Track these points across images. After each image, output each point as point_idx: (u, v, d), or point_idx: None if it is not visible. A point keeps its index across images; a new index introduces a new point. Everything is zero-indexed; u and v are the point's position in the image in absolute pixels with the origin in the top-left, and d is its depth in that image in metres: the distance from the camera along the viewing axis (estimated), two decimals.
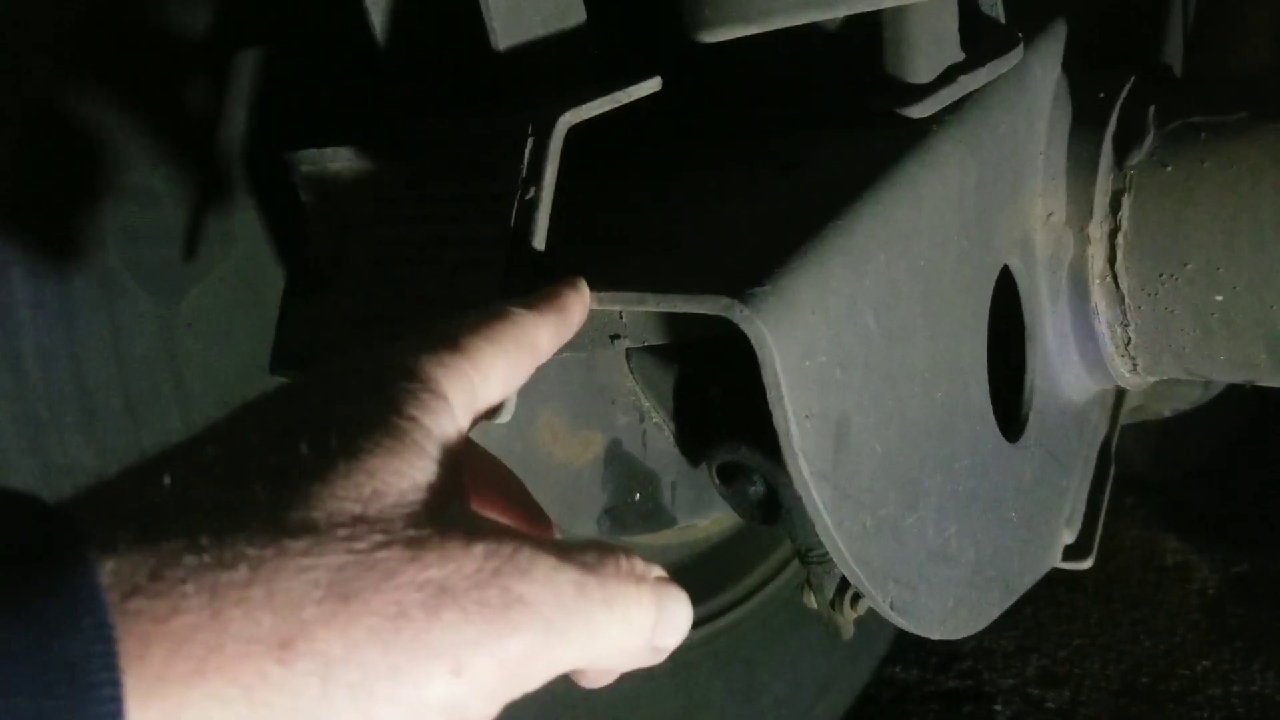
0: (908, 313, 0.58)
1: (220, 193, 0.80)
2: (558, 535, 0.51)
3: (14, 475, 0.72)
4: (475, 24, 0.59)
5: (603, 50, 0.66)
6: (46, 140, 0.71)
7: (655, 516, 0.91)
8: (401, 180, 0.61)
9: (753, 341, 0.46)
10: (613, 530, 0.87)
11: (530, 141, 0.53)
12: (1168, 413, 1.27)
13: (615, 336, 0.58)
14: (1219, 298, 0.76)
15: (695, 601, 1.31)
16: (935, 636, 0.62)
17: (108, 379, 0.75)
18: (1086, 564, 0.85)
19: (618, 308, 0.51)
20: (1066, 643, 1.73)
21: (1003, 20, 0.79)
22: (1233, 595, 1.85)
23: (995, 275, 0.72)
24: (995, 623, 1.80)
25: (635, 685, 1.14)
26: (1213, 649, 1.68)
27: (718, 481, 0.85)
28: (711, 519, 1.00)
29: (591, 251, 0.56)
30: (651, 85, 0.57)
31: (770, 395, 0.47)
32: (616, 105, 0.55)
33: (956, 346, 0.65)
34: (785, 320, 0.47)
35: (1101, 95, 0.82)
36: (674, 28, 0.64)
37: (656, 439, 0.89)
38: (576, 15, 0.61)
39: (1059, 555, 0.84)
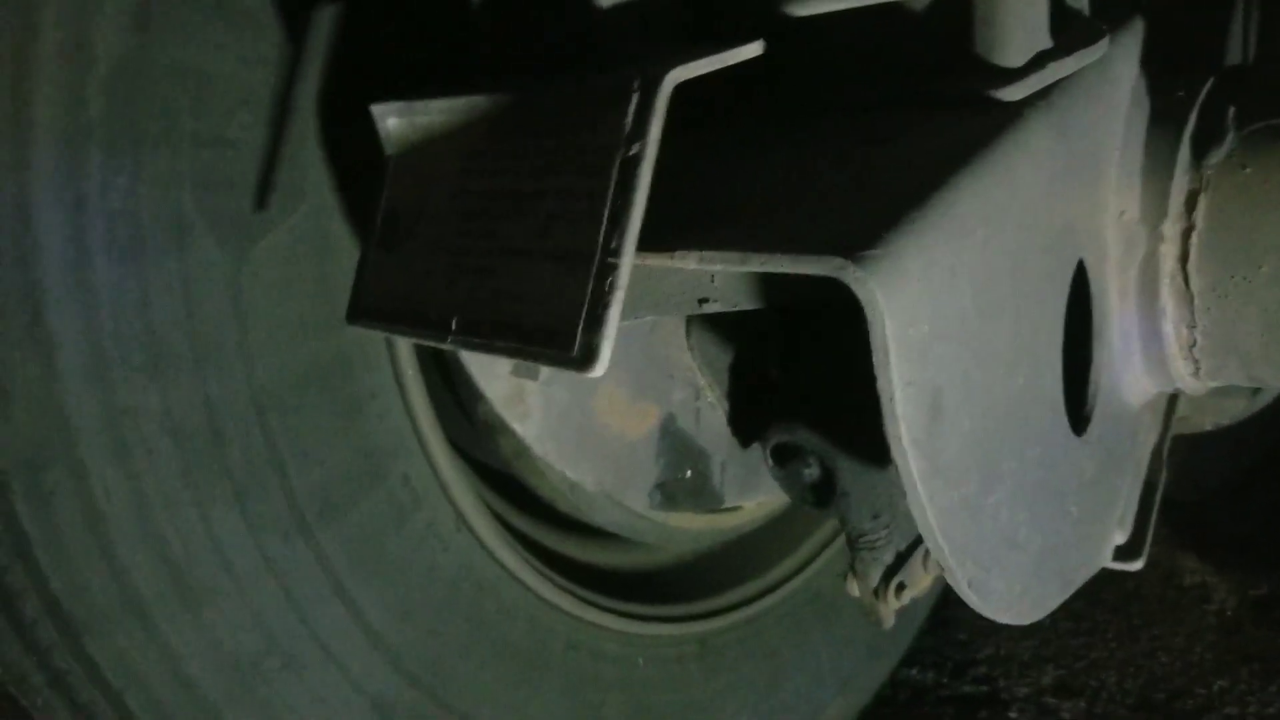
0: (998, 293, 0.58)
1: (293, 145, 0.80)
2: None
3: (77, 415, 0.72)
4: None
5: (690, 17, 0.66)
6: (131, 79, 0.71)
7: (704, 494, 0.91)
8: (492, 133, 0.61)
9: (864, 303, 0.46)
10: (663, 504, 0.87)
11: (635, 97, 0.52)
12: (1209, 425, 1.26)
13: (704, 300, 0.58)
14: None
15: (724, 589, 1.31)
16: (1002, 620, 0.62)
17: (175, 323, 0.75)
18: (1138, 565, 0.85)
19: (718, 267, 0.50)
20: (1084, 654, 1.72)
21: (1087, 12, 0.79)
22: (1251, 617, 1.84)
23: (1074, 267, 0.71)
24: (1012, 630, 1.79)
25: (664, 668, 1.14)
26: (1229, 669, 1.68)
27: (771, 463, 0.85)
28: (756, 502, 1.00)
29: (687, 211, 0.56)
30: (754, 48, 0.56)
31: (876, 359, 0.47)
32: (722, 65, 0.54)
33: (1037, 333, 0.65)
34: (895, 285, 0.46)
35: (1181, 94, 0.82)
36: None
37: (710, 417, 0.89)
38: None
39: (1110, 554, 0.84)
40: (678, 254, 0.52)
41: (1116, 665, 1.68)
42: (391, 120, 0.66)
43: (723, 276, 0.57)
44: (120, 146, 0.72)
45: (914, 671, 1.69)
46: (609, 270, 0.51)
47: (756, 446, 0.94)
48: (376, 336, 0.88)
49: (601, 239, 0.52)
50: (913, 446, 0.49)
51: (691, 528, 1.15)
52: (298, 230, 0.81)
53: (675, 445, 0.88)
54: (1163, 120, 0.81)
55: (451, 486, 0.95)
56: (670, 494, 0.88)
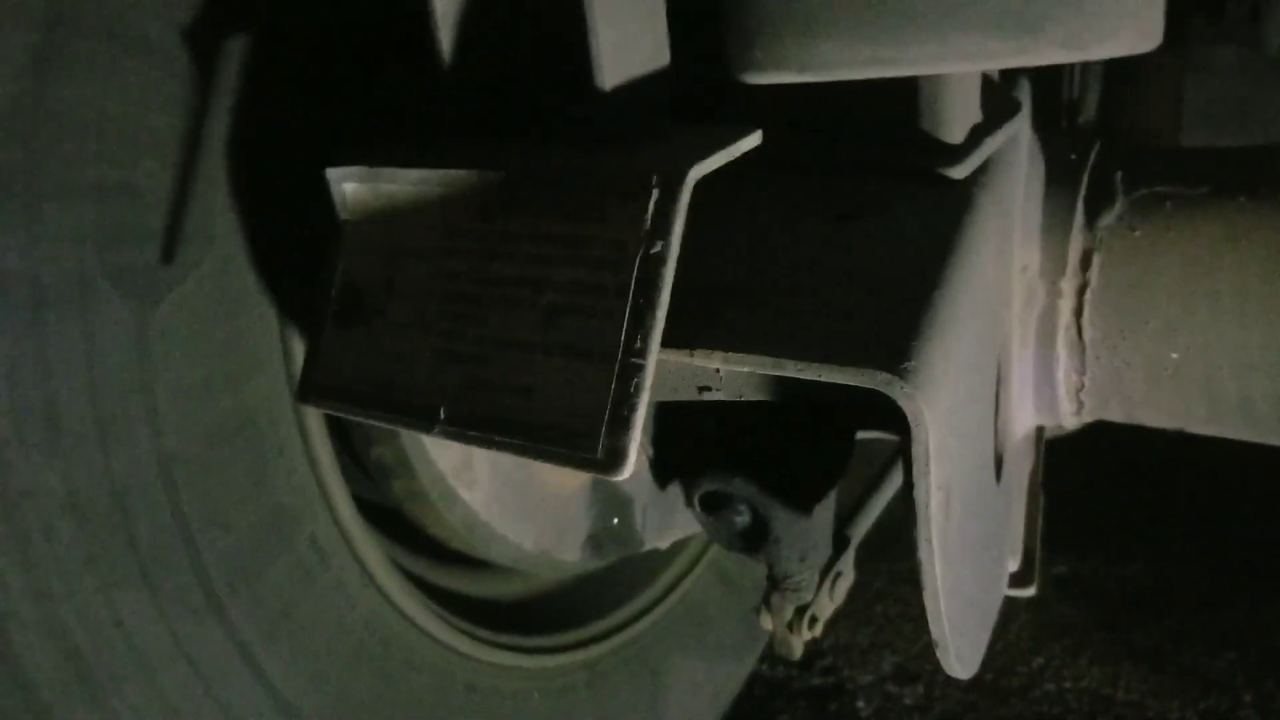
0: (975, 376, 0.60)
1: (201, 191, 0.73)
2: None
3: None
4: (572, 55, 0.57)
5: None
6: (25, 131, 0.63)
7: (629, 541, 0.91)
8: (476, 211, 0.59)
9: (910, 417, 0.47)
10: (593, 555, 0.87)
11: (656, 192, 0.51)
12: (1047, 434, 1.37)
13: (705, 389, 0.58)
14: (1174, 356, 0.83)
15: (607, 611, 1.32)
16: (966, 677, 0.65)
17: (77, 393, 0.68)
18: (1031, 591, 0.91)
19: (745, 369, 0.50)
20: (916, 639, 1.84)
21: (996, 80, 0.84)
22: (1056, 595, 2.02)
23: (1001, 326, 0.76)
24: (850, 619, 1.88)
25: (556, 699, 1.14)
26: (1043, 646, 1.84)
27: (699, 509, 0.86)
28: (669, 542, 1.01)
29: (698, 301, 0.55)
30: (755, 138, 0.57)
31: (917, 468, 0.48)
32: (733, 157, 0.54)
33: (988, 400, 0.68)
34: (933, 394, 0.48)
35: (1073, 157, 0.88)
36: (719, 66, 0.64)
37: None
38: (664, 56, 0.60)
39: (1006, 583, 0.90)
40: (698, 353, 0.51)
41: None
42: (351, 186, 0.61)
43: (728, 370, 0.57)
44: (15, 199, 0.64)
45: (764, 667, 1.75)
46: (633, 371, 0.50)
47: (673, 489, 0.95)
48: (282, 389, 0.83)
49: (624, 338, 0.51)
50: (940, 545, 0.51)
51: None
52: (206, 281, 0.75)
53: (605, 495, 0.87)
54: (1057, 181, 0.87)
55: (357, 541, 0.91)
56: (599, 544, 0.88)
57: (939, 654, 0.59)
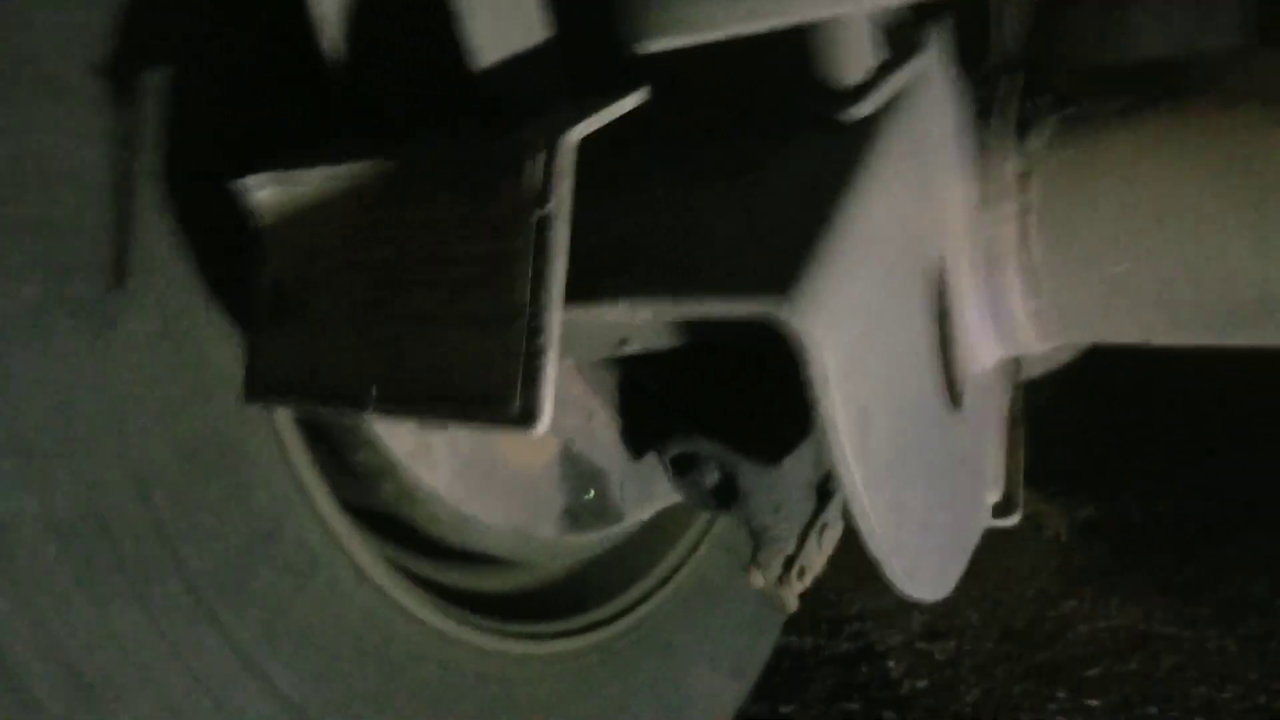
0: (889, 302, 0.62)
1: (144, 218, 0.76)
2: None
3: None
4: (449, 44, 0.59)
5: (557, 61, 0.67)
6: None
7: (607, 513, 0.92)
8: (379, 200, 0.61)
9: (801, 338, 0.48)
10: (571, 529, 0.89)
11: (541, 157, 0.53)
12: (1040, 372, 1.37)
13: (624, 341, 0.60)
14: (1121, 268, 0.84)
15: (618, 591, 1.34)
16: (927, 599, 0.66)
17: (44, 421, 0.71)
18: (1014, 519, 0.92)
19: (648, 314, 0.52)
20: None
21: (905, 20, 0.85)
22: (1081, 539, 2.01)
23: (933, 260, 0.77)
24: (877, 583, 1.89)
25: (571, 682, 1.16)
26: (1074, 590, 1.83)
27: (671, 473, 0.87)
28: (655, 511, 1.03)
29: (600, 259, 0.57)
30: (639, 97, 0.58)
31: (816, 387, 0.50)
32: (613, 118, 0.56)
33: (915, 329, 0.69)
34: (824, 316, 0.49)
35: (1000, 86, 0.88)
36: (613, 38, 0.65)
37: (604, 436, 0.91)
38: (541, 33, 0.62)
39: (990, 514, 0.91)
40: (604, 303, 0.53)
41: (975, 603, 1.81)
42: (262, 193, 0.64)
43: (644, 321, 0.59)
44: None
45: (793, 638, 1.76)
46: (539, 329, 0.52)
47: (650, 458, 0.96)
48: None
49: (527, 299, 0.53)
50: (855, 461, 0.52)
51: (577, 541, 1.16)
52: (160, 304, 0.78)
53: (576, 469, 0.89)
54: (987, 111, 0.88)
55: (346, 540, 0.93)
56: (576, 517, 0.90)
57: (884, 573, 0.60)
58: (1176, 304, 0.84)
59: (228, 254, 0.81)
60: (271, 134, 0.82)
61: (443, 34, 0.57)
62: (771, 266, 0.51)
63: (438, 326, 0.56)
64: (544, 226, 0.53)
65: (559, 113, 0.57)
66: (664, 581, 1.34)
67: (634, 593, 1.30)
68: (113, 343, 0.74)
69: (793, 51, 0.73)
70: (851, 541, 0.86)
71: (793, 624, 1.76)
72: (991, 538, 2.12)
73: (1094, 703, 1.54)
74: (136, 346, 0.76)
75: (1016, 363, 1.05)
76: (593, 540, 1.22)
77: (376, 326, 0.59)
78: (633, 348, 0.61)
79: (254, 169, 0.64)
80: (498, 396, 0.53)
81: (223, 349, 0.82)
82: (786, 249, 0.53)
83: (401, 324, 0.58)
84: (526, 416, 0.52)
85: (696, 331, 0.60)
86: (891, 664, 1.70)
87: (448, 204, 0.57)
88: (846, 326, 0.52)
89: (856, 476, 0.52)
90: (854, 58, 0.73)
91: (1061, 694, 1.56)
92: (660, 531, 1.38)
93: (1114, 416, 2.39)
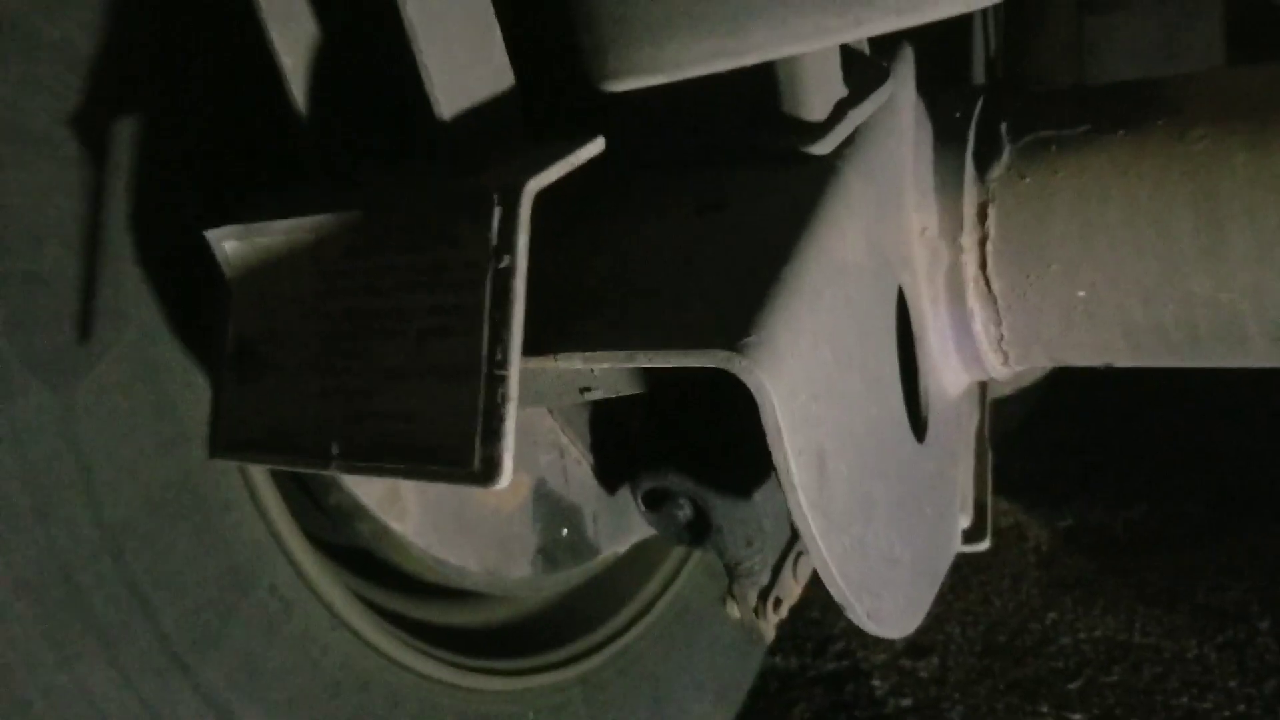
0: (847, 339, 0.62)
1: (111, 269, 0.76)
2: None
3: None
4: (413, 93, 0.59)
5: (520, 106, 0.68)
6: None
7: (582, 549, 0.92)
8: (344, 252, 0.61)
9: (753, 390, 0.49)
10: (545, 568, 0.89)
11: (498, 210, 0.54)
12: (1009, 391, 1.39)
13: (586, 389, 0.60)
14: (1081, 294, 0.85)
15: (599, 621, 1.33)
16: (894, 636, 0.67)
17: (9, 478, 0.71)
18: (985, 545, 0.92)
19: (605, 366, 0.52)
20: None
21: (866, 51, 0.86)
22: (1063, 548, 2.02)
23: (895, 290, 0.77)
24: None
25: (552, 716, 1.15)
26: (1055, 601, 1.84)
27: (643, 508, 0.87)
28: (629, 545, 1.03)
29: (560, 308, 0.57)
30: (596, 146, 0.59)
31: (770, 437, 0.50)
32: (572, 168, 0.56)
33: (879, 363, 0.70)
34: (776, 366, 0.50)
35: (958, 114, 0.89)
36: (580, 78, 0.66)
37: (576, 473, 0.91)
38: (506, 79, 0.62)
39: (960, 540, 0.91)
40: (561, 356, 0.53)
41: (957, 617, 1.81)
42: (230, 244, 0.64)
43: (604, 369, 0.59)
44: None
45: (778, 659, 1.76)
46: (497, 382, 0.52)
47: (624, 492, 0.96)
48: None
49: (485, 352, 0.53)
50: (811, 508, 0.52)
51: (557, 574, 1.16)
52: (126, 356, 0.77)
53: (549, 507, 0.89)
54: (945, 140, 0.89)
55: (320, 584, 0.93)
56: (551, 556, 0.90)
57: (848, 615, 0.61)
58: (1135, 328, 0.85)
59: (198, 303, 0.81)
60: (244, 182, 0.82)
61: (406, 83, 0.58)
62: (724, 315, 0.52)
63: (398, 379, 0.57)
64: (502, 279, 0.53)
65: (519, 158, 0.58)
66: (646, 609, 1.34)
67: (615, 622, 1.30)
68: (78, 397, 0.74)
69: (757, 87, 0.74)
70: None
71: (778, 645, 1.76)
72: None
73: (1077, 717, 1.55)
74: (103, 398, 0.76)
75: (983, 386, 1.06)
76: (572, 574, 1.22)
77: (338, 379, 0.60)
78: (596, 395, 0.61)
79: (225, 218, 0.65)
80: (457, 452, 0.53)
81: (193, 400, 0.82)
82: (741, 296, 0.53)
83: (362, 377, 0.58)
84: (487, 472, 0.52)
85: (658, 376, 0.60)
86: (876, 683, 1.70)
87: (408, 255, 0.57)
88: (801, 372, 0.53)
89: (813, 526, 0.53)
90: (817, 93, 0.74)
91: (1044, 709, 1.56)
92: (640, 558, 1.38)
93: (1092, 427, 2.41)
